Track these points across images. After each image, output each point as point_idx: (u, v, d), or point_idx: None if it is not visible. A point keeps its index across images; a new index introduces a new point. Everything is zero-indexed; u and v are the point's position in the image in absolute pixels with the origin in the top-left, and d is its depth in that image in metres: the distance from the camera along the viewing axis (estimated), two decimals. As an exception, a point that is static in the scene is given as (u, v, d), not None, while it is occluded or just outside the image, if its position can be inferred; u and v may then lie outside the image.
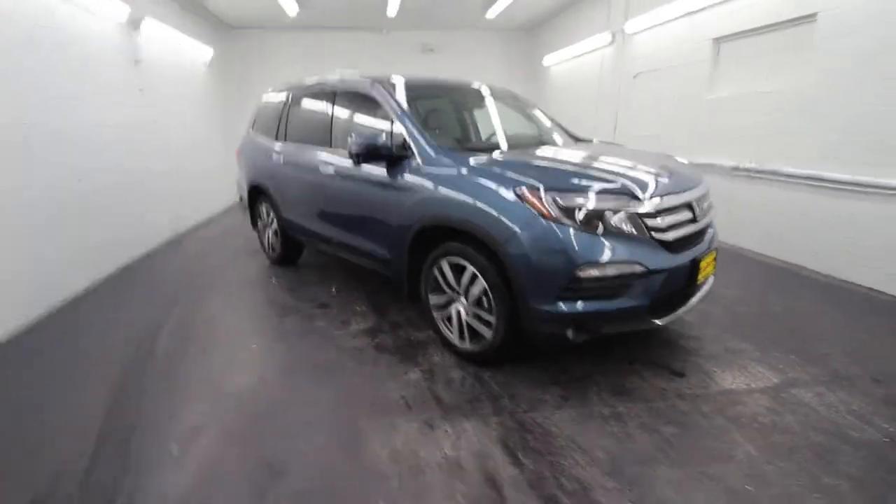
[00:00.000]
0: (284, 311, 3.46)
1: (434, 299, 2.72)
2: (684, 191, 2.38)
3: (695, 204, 2.41)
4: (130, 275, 4.47)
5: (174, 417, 2.19)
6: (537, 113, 3.81)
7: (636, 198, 2.16)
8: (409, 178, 2.69)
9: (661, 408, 2.19)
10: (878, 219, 3.50)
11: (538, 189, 2.14)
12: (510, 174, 2.28)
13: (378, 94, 3.06)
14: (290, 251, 4.42)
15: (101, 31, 4.48)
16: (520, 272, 2.15)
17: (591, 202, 2.10)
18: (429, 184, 2.57)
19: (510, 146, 3.03)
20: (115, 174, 4.65)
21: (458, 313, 2.58)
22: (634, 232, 2.13)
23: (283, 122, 4.09)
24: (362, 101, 3.27)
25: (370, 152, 2.74)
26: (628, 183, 2.21)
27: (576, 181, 2.21)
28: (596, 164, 2.53)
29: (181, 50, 6.68)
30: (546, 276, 2.10)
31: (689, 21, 5.17)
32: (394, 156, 2.75)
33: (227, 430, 2.09)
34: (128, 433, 2.08)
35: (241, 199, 5.05)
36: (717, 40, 4.87)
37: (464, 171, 2.46)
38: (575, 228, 2.07)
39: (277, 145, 4.06)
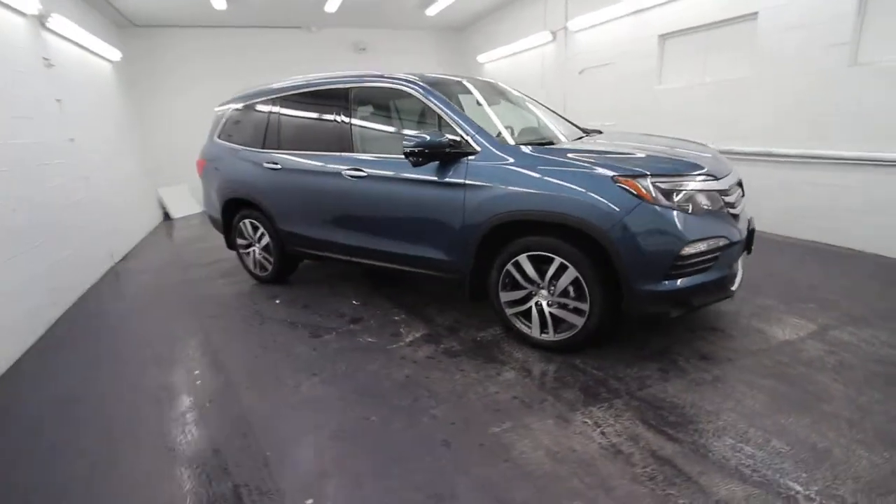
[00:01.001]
0: (317, 331, 3.14)
1: (507, 296, 2.67)
2: (732, 170, 2.65)
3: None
4: (84, 324, 3.74)
5: (296, 474, 1.90)
6: (536, 106, 3.91)
7: (714, 177, 2.34)
8: (472, 175, 2.61)
9: (748, 365, 2.40)
10: (820, 185, 4.19)
11: (640, 175, 2.22)
12: (600, 163, 2.34)
13: (418, 90, 2.91)
14: (286, 267, 4.02)
15: (4, 26, 3.65)
16: (626, 256, 2.21)
17: (685, 184, 2.24)
18: (500, 180, 2.52)
19: (545, 139, 3.08)
20: (37, 206, 3.83)
21: (539, 306, 2.58)
22: (716, 208, 2.32)
23: (272, 130, 3.69)
24: (392, 99, 3.08)
25: (430, 151, 2.61)
26: (705, 164, 2.39)
27: (666, 165, 2.33)
28: (663, 150, 2.67)
29: (88, 51, 5.70)
30: (654, 258, 2.19)
31: (636, 19, 5.67)
32: (451, 154, 2.65)
33: (360, 474, 1.86)
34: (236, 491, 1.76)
35: (210, 217, 4.48)
36: (663, 37, 5.42)
37: (540, 164, 2.45)
38: (675, 209, 2.19)
39: (270, 155, 3.65)
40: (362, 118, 3.21)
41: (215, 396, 2.45)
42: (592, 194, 2.26)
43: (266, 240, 3.91)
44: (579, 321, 2.46)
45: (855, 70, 3.78)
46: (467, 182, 2.62)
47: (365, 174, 3.05)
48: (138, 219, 6.81)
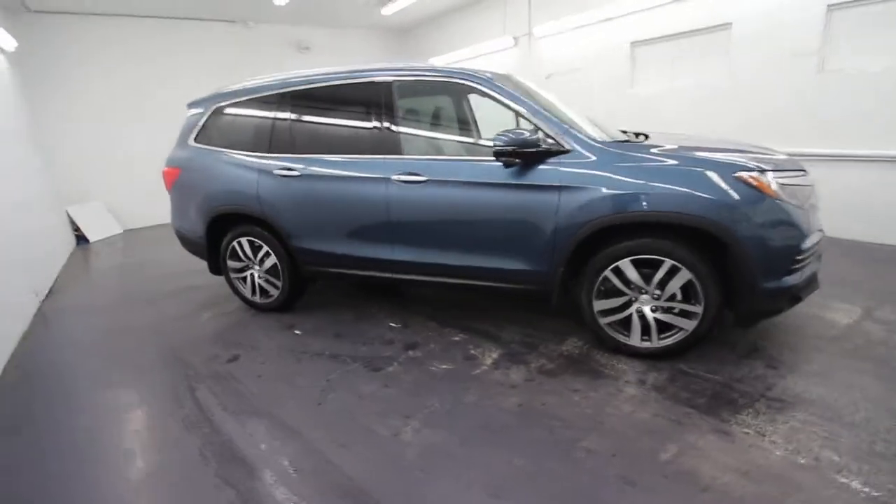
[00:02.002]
0: (373, 363, 2.69)
1: (602, 304, 2.50)
2: None
3: None
4: (37, 400, 2.84)
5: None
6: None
7: (806, 174, 2.40)
8: (568, 176, 2.39)
9: (837, 351, 2.49)
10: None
11: (762, 170, 2.18)
12: (713, 159, 2.27)
13: (485, 85, 2.62)
14: (297, 291, 3.45)
15: None
16: (754, 253, 2.16)
17: (798, 179, 2.25)
18: (602, 180, 2.34)
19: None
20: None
21: (641, 313, 2.44)
22: (813, 203, 2.37)
23: (282, 131, 3.13)
24: (449, 95, 2.75)
25: (523, 151, 2.35)
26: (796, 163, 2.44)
27: (778, 162, 2.32)
28: (750, 148, 2.65)
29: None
30: (780, 253, 2.17)
31: (606, 26, 5.89)
32: (540, 154, 2.41)
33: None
34: None
35: (183, 238, 3.71)
36: (635, 44, 5.68)
37: (644, 162, 2.32)
38: (793, 204, 2.19)
39: (282, 160, 3.09)
40: (412, 116, 2.84)
41: (298, 463, 1.93)
42: (713, 191, 2.18)
43: (271, 260, 3.32)
44: (689, 325, 2.37)
45: (822, 76, 4.24)
46: (563, 184, 2.40)
47: (424, 179, 2.68)
48: (51, 245, 5.52)
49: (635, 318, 2.46)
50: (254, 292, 3.52)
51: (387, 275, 3.01)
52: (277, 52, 8.32)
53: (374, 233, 2.92)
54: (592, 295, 2.50)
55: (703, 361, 2.46)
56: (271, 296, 3.47)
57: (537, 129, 2.50)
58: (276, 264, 3.33)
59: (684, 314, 2.37)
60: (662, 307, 2.40)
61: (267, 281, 3.44)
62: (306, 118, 3.15)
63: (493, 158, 2.53)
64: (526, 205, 2.49)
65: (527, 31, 6.90)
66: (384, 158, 2.81)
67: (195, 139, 3.47)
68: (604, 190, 2.33)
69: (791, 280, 2.23)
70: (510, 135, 2.35)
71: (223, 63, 7.72)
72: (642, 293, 2.42)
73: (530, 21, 6.82)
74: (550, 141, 2.45)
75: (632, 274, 2.39)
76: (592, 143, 2.43)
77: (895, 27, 3.78)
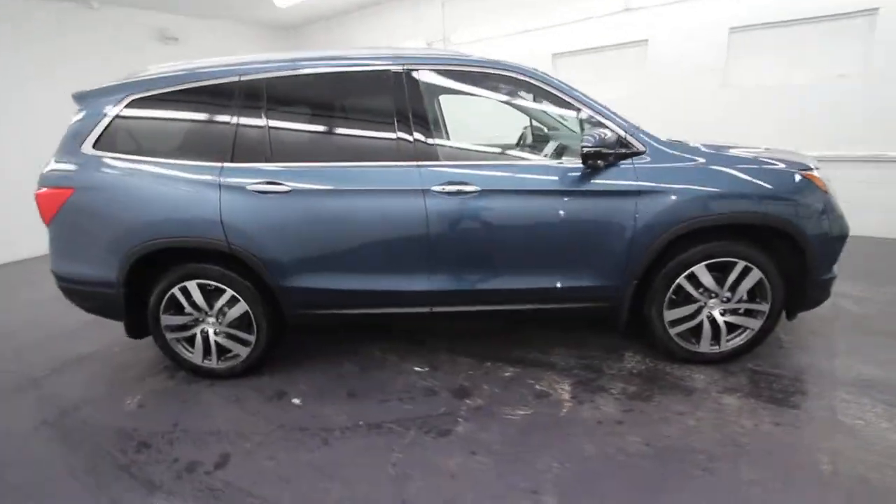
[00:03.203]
0: (431, 426, 2.10)
1: (673, 314, 2.36)
2: None
3: None
4: None
5: None
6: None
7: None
8: (645, 179, 2.18)
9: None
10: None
11: (815, 168, 2.27)
12: (780, 157, 2.29)
13: (537, 79, 2.25)
14: (274, 345, 2.59)
15: None
16: (817, 248, 2.23)
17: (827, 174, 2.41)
18: (683, 181, 2.19)
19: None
20: None
21: (712, 317, 2.37)
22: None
23: (249, 134, 2.29)
24: (487, 88, 2.29)
25: (606, 153, 2.06)
26: None
27: (809, 161, 2.44)
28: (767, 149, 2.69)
29: None
30: (834, 246, 2.29)
31: (529, 37, 5.99)
32: (619, 155, 2.16)
33: None
34: None
35: (74, 289, 2.50)
36: (557, 55, 5.90)
37: (719, 163, 2.25)
38: (834, 199, 2.33)
39: (257, 173, 2.25)
40: (448, 116, 2.32)
41: None
42: (788, 190, 2.21)
43: (239, 308, 2.43)
44: (756, 324, 2.38)
45: (726, 90, 4.93)
46: (642, 188, 2.19)
47: (476, 190, 2.20)
48: None
49: (706, 324, 2.39)
50: (207, 355, 2.54)
51: (418, 310, 2.42)
52: (133, 42, 6.56)
53: (406, 259, 2.32)
54: (664, 305, 2.36)
55: (760, 358, 2.51)
56: (236, 356, 2.54)
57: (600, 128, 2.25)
58: (246, 312, 2.44)
59: (748, 314, 2.38)
60: (731, 309, 2.37)
61: (230, 337, 2.51)
62: (295, 116, 2.38)
63: (557, 162, 2.21)
64: (599, 213, 2.22)
65: (441, 36, 6.68)
66: (418, 166, 2.24)
67: (95, 145, 2.36)
68: (685, 193, 2.19)
69: (835, 270, 2.39)
70: (597, 135, 2.05)
71: (53, 52, 5.77)
72: (712, 298, 2.36)
73: (444, 26, 6.63)
74: (623, 143, 2.23)
75: (706, 279, 2.30)
76: (663, 143, 2.28)
77: (787, 48, 4.56)
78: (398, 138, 2.26)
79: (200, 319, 2.50)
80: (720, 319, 2.38)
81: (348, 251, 2.32)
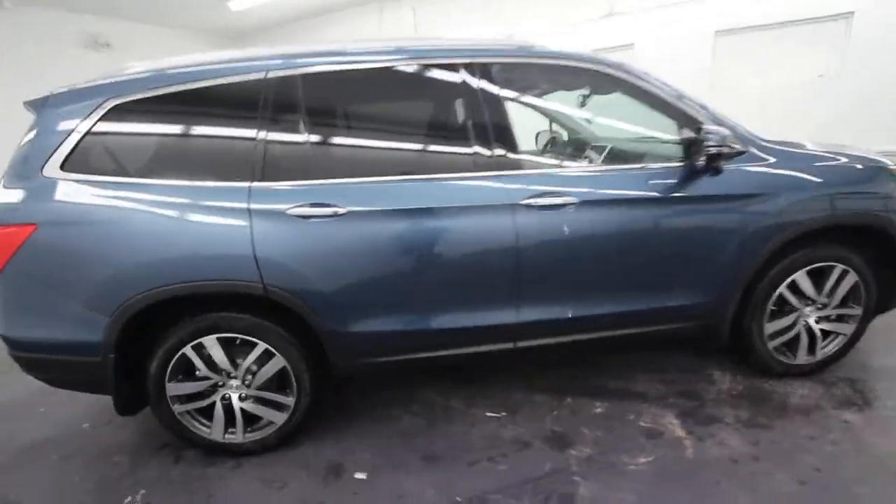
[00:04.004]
0: (542, 492, 1.72)
1: (773, 326, 2.18)
2: None
3: None
4: None
5: None
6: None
7: None
8: (752, 183, 1.97)
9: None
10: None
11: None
12: (870, 155, 2.19)
13: (627, 74, 1.96)
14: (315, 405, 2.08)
15: None
16: None
17: None
18: (789, 183, 2.01)
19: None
20: None
21: (808, 326, 2.21)
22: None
23: (282, 146, 1.81)
24: (568, 85, 1.97)
25: (729, 154, 1.82)
26: None
27: None
28: None
29: None
30: None
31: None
32: (726, 156, 1.93)
33: None
34: None
35: (34, 359, 1.85)
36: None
37: (822, 161, 2.11)
38: None
39: (298, 193, 1.76)
40: (528, 115, 1.96)
41: None
42: (889, 188, 2.10)
43: (275, 364, 1.90)
44: (848, 329, 2.25)
45: (712, 92, 5.02)
46: (751, 191, 1.98)
47: (574, 202, 1.87)
48: None
49: (803, 334, 2.23)
50: (230, 427, 1.98)
51: (500, 347, 2.03)
52: (58, 48, 5.55)
53: (488, 288, 1.93)
54: (764, 318, 2.16)
55: (844, 366, 2.39)
56: (268, 425, 2.00)
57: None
58: (283, 369, 1.93)
59: (839, 319, 2.25)
60: (825, 316, 2.23)
61: (260, 402, 1.97)
62: (343, 120, 1.92)
63: (661, 166, 1.95)
64: (709, 221, 1.99)
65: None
66: (501, 176, 1.87)
67: (63, 167, 1.74)
68: (794, 194, 2.01)
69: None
70: (718, 133, 1.80)
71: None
72: (808, 306, 2.21)
73: (416, 32, 6.28)
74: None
75: (806, 285, 2.14)
76: (764, 141, 2.08)
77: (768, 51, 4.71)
78: (474, 144, 1.88)
79: (220, 384, 1.95)
80: (816, 328, 2.23)
81: (419, 282, 1.89)
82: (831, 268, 2.13)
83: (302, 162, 1.84)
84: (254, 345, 1.89)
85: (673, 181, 1.94)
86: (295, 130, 1.85)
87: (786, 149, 2.10)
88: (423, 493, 1.77)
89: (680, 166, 1.95)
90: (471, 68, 1.89)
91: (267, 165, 1.81)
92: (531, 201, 1.85)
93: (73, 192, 1.74)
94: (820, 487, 1.66)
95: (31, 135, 1.77)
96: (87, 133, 1.76)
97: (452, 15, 5.96)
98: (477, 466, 1.89)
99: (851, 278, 2.16)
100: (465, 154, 1.88)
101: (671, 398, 2.24)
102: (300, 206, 1.77)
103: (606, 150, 2.13)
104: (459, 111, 1.89)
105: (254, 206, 1.77)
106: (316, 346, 1.95)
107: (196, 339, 1.85)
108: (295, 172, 1.83)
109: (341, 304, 1.87)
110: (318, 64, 1.86)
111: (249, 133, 1.82)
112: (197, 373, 1.91)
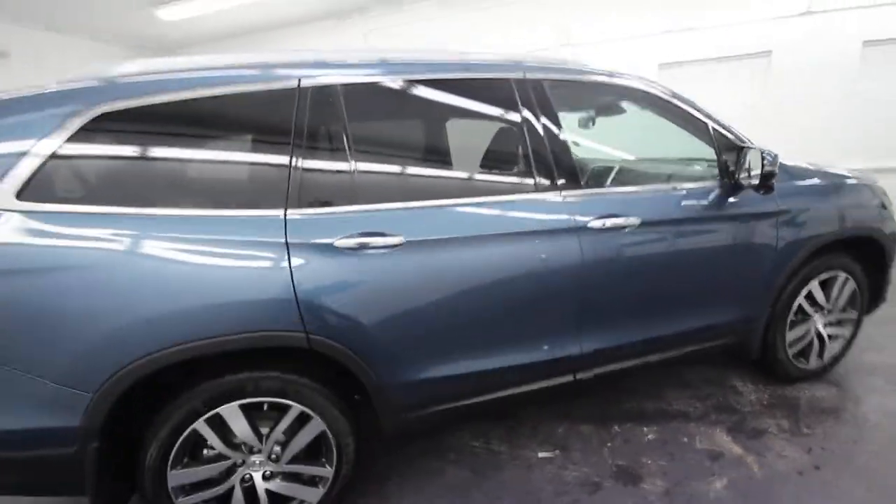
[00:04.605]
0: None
1: (793, 335, 2.28)
2: None
3: None
4: None
5: None
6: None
7: None
8: (783, 198, 2.06)
9: None
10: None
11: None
12: (861, 175, 2.40)
13: (667, 94, 1.94)
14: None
15: None
16: (893, 251, 2.39)
17: None
18: (808, 201, 2.15)
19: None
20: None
21: (818, 332, 2.35)
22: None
23: (318, 165, 1.51)
24: (609, 104, 1.90)
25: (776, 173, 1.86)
26: None
27: None
28: None
29: None
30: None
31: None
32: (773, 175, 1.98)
33: None
34: None
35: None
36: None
37: (816, 178, 2.24)
38: None
39: (344, 221, 1.48)
40: (580, 133, 1.84)
41: None
42: (881, 201, 2.33)
43: (309, 432, 1.55)
44: (847, 332, 2.44)
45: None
46: (780, 208, 2.05)
47: (636, 222, 1.78)
48: None
49: (815, 340, 2.36)
50: (262, 519, 1.56)
51: (560, 381, 1.86)
52: None
53: (552, 318, 1.76)
54: (787, 327, 2.26)
55: (840, 366, 2.57)
56: (301, 504, 1.62)
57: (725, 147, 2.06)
58: (322, 434, 1.58)
59: (838, 323, 2.43)
60: (829, 322, 2.39)
61: (290, 478, 1.59)
62: (390, 137, 1.65)
63: (708, 186, 1.97)
64: (752, 237, 2.03)
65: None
66: (563, 196, 1.73)
67: (21, 195, 1.28)
68: (816, 210, 2.15)
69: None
70: (771, 154, 1.84)
71: None
72: (817, 312, 2.35)
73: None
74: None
75: (819, 294, 2.28)
76: (784, 161, 2.19)
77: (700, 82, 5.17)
78: (535, 162, 1.73)
79: (240, 462, 1.54)
80: (824, 333, 2.38)
81: (483, 317, 1.67)
82: (835, 277, 2.30)
83: (346, 184, 1.55)
84: (285, 409, 1.53)
85: (726, 200, 1.96)
86: (337, 148, 1.56)
87: (802, 168, 2.25)
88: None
89: (731, 186, 1.97)
90: (530, 84, 1.76)
91: (304, 189, 1.50)
92: (595, 223, 1.74)
93: (35, 228, 1.28)
94: (886, 488, 1.72)
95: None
96: (58, 150, 1.32)
97: (403, 37, 5.86)
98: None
99: (851, 285, 2.35)
100: (528, 173, 1.73)
101: (712, 414, 2.23)
102: (351, 236, 1.49)
103: (654, 171, 2.13)
104: (519, 128, 1.73)
105: (292, 238, 1.44)
106: (361, 402, 1.64)
107: (213, 408, 1.44)
108: (338, 196, 1.53)
109: (396, 350, 1.58)
110: (361, 74, 1.60)
111: (281, 151, 1.50)
112: (209, 453, 1.50)
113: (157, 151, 1.45)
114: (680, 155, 2.15)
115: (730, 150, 1.98)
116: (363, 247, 1.49)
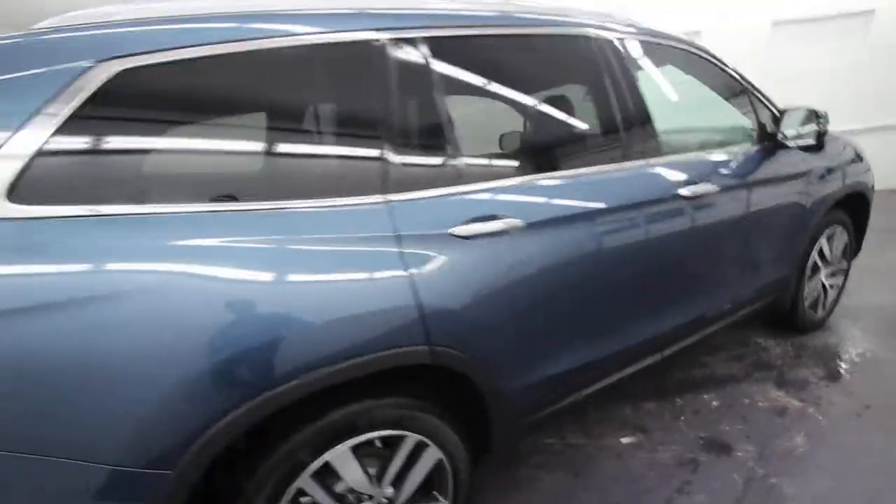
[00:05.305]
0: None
1: (809, 287, 2.45)
2: None
3: None
4: None
5: None
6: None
7: None
8: (809, 159, 2.16)
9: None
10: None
11: None
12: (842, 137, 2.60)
13: (716, 59, 1.91)
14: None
15: None
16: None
17: None
18: (826, 159, 2.28)
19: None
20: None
21: (823, 284, 2.55)
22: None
23: (418, 138, 1.24)
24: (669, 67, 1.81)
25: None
26: None
27: None
28: None
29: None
30: None
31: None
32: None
33: None
34: None
35: None
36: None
37: (835, 141, 2.42)
38: None
39: (455, 201, 1.22)
40: (651, 96, 1.71)
41: None
42: (864, 158, 2.57)
43: (424, 465, 1.28)
44: (840, 281, 2.69)
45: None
46: (808, 168, 2.16)
47: (716, 189, 1.73)
48: None
49: (821, 292, 2.56)
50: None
51: (649, 361, 1.77)
52: None
53: (648, 296, 1.66)
54: (805, 281, 2.41)
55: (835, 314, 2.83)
56: None
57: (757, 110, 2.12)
58: (439, 464, 1.31)
59: (835, 274, 2.66)
60: (829, 273, 2.61)
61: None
62: (483, 97, 1.39)
63: (752, 148, 2.00)
64: (797, 196, 2.13)
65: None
66: (649, 164, 1.62)
67: (11, 194, 0.84)
68: (834, 170, 2.30)
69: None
70: (825, 114, 1.90)
71: None
72: (824, 265, 2.54)
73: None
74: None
75: (827, 249, 2.47)
76: None
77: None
78: (633, 128, 1.61)
79: (358, 509, 1.22)
80: (826, 284, 2.60)
81: (601, 302, 1.52)
82: (835, 231, 2.51)
83: (446, 158, 1.28)
84: (396, 442, 1.24)
85: (777, 161, 2.00)
86: (429, 113, 1.28)
87: None
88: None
89: (776, 147, 2.02)
90: (610, 42, 1.62)
91: (405, 169, 1.21)
92: (685, 191, 1.67)
93: (40, 242, 0.86)
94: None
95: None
96: (66, 124, 0.90)
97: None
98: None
99: (844, 237, 2.58)
100: (627, 141, 1.60)
101: (754, 373, 2.32)
102: (467, 223, 1.23)
103: (707, 137, 2.11)
104: (617, 91, 1.58)
105: (403, 229, 1.15)
106: (472, 417, 1.40)
107: (319, 456, 1.11)
108: (436, 175, 1.27)
109: (517, 349, 1.37)
110: (452, 26, 1.33)
111: (367, 121, 1.19)
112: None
113: (211, 124, 1.07)
114: (716, 120, 2.18)
115: (767, 113, 2.04)
116: (480, 235, 1.25)
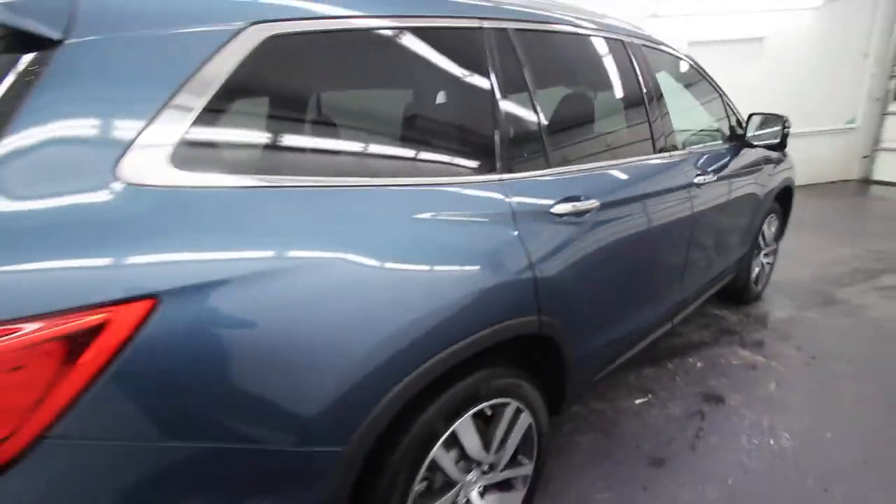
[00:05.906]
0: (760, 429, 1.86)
1: (756, 264, 2.92)
2: None
3: None
4: None
5: None
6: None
7: None
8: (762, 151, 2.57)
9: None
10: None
11: None
12: None
13: (695, 63, 2.19)
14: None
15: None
16: None
17: None
18: (770, 156, 2.70)
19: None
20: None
21: (761, 262, 3.05)
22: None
23: (518, 123, 1.32)
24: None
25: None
26: None
27: None
28: None
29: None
30: None
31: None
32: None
33: None
34: None
35: None
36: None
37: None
38: None
39: (544, 186, 1.33)
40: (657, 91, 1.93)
41: None
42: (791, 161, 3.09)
43: (519, 431, 1.36)
44: (770, 260, 3.22)
45: (655, 20, 5.79)
46: (768, 157, 2.60)
47: (714, 178, 2.02)
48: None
49: (762, 268, 3.06)
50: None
51: (663, 330, 2.02)
52: None
53: (672, 269, 1.91)
54: (753, 258, 2.86)
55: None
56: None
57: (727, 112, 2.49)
58: (529, 429, 1.41)
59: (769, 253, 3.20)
60: (766, 252, 3.12)
61: (504, 487, 1.39)
62: (556, 91, 1.48)
63: (727, 145, 2.35)
64: (754, 189, 2.51)
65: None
66: (672, 156, 1.86)
67: (174, 160, 0.78)
68: (775, 166, 2.74)
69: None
70: (786, 118, 2.29)
71: None
72: (764, 245, 3.03)
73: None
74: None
75: (767, 231, 2.96)
76: None
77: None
78: (654, 122, 1.82)
79: (464, 482, 1.27)
80: (763, 262, 3.11)
81: (644, 275, 1.75)
82: (773, 217, 3.03)
83: (538, 143, 1.37)
84: (499, 409, 1.32)
85: (759, 155, 2.41)
86: (523, 101, 1.36)
87: None
88: (700, 493, 1.65)
89: (744, 146, 2.39)
90: (623, 45, 1.81)
91: (511, 147, 1.28)
92: (698, 179, 1.94)
93: (222, 210, 0.82)
94: (856, 359, 2.40)
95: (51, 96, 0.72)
96: (226, 84, 0.85)
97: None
98: (699, 451, 1.87)
99: (776, 222, 3.12)
100: (657, 135, 1.81)
101: (722, 338, 2.71)
102: (559, 202, 1.34)
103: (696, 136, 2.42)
104: (649, 91, 1.80)
105: (516, 205, 1.23)
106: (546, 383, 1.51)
107: (450, 425, 1.15)
108: (532, 158, 1.36)
109: (591, 317, 1.51)
110: (543, 21, 1.42)
111: (481, 103, 1.24)
112: (437, 484, 1.20)
113: (361, 93, 1.06)
114: (705, 120, 2.52)
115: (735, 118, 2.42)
116: (569, 214, 1.36)
